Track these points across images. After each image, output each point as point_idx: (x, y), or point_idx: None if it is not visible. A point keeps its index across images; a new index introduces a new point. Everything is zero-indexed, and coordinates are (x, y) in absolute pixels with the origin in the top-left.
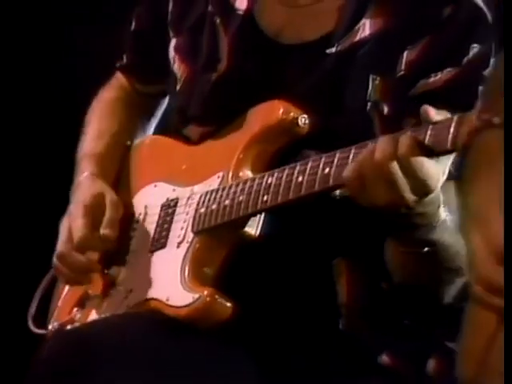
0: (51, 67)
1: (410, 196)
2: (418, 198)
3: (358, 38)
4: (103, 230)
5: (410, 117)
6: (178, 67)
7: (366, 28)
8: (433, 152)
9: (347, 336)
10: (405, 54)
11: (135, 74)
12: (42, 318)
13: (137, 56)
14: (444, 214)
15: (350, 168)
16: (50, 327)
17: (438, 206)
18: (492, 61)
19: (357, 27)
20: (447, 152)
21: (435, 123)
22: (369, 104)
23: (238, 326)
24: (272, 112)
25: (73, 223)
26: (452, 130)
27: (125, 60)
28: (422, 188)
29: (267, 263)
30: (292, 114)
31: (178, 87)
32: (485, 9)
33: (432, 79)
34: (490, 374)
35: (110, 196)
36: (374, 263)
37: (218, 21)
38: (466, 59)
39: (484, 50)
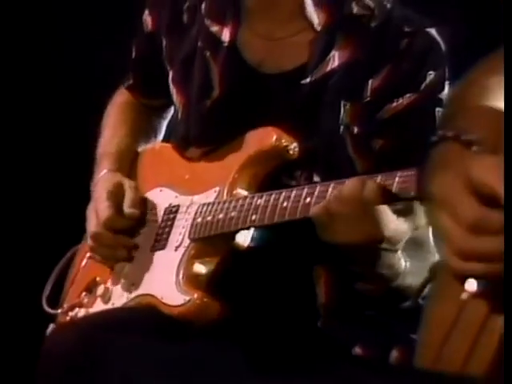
0: (64, 73)
1: (363, 238)
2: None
3: (329, 68)
4: (127, 209)
5: (378, 138)
6: (176, 98)
7: (335, 59)
8: (398, 198)
9: (325, 332)
10: (370, 81)
11: (139, 92)
12: (55, 300)
13: (139, 78)
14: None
15: (319, 205)
16: (61, 309)
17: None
18: (446, 84)
19: (327, 58)
20: (411, 199)
21: (404, 171)
22: (341, 127)
23: (229, 325)
24: (266, 138)
25: (99, 206)
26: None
27: (130, 81)
28: (374, 233)
29: (255, 270)
30: (284, 141)
31: (179, 116)
32: (438, 39)
33: (395, 104)
34: (446, 365)
35: (128, 182)
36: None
37: (207, 54)
38: (423, 85)
39: (439, 76)
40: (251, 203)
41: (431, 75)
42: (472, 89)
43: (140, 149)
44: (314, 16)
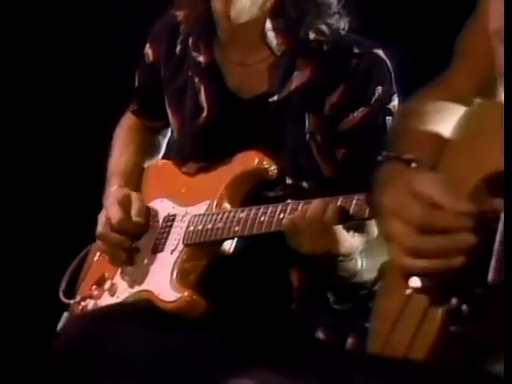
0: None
1: (322, 252)
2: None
3: (293, 87)
4: (134, 218)
5: (340, 148)
6: (171, 120)
7: (297, 79)
8: (354, 219)
9: (296, 318)
10: (327, 98)
11: (143, 116)
12: (70, 291)
13: (142, 104)
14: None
15: (288, 220)
16: (74, 300)
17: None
18: (394, 96)
19: (291, 79)
20: (365, 219)
21: (360, 195)
22: (307, 135)
23: (215, 317)
24: (250, 160)
25: (109, 211)
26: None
27: (135, 106)
28: (331, 249)
29: (238, 273)
30: (265, 163)
31: (175, 136)
32: (384, 57)
33: (351, 117)
34: (393, 351)
35: (135, 195)
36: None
37: (196, 80)
38: (373, 99)
39: (386, 90)
40: (235, 216)
41: (379, 90)
42: (411, 115)
43: (145, 165)
44: (274, 43)
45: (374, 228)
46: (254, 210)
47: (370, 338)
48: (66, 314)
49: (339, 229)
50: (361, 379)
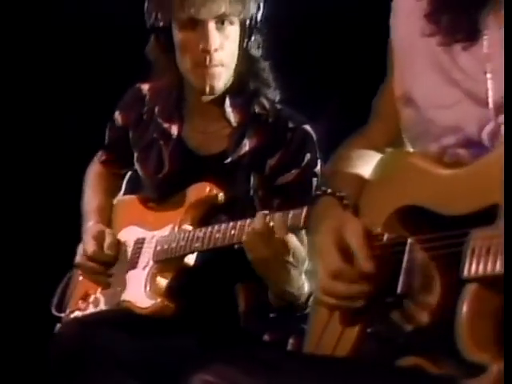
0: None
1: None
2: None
3: (242, 152)
4: (106, 251)
5: (276, 199)
6: (140, 172)
7: (246, 145)
8: (291, 228)
9: (245, 325)
10: (268, 161)
11: (111, 166)
12: (61, 306)
13: (111, 157)
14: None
15: (246, 234)
16: (64, 313)
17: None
18: (318, 162)
19: (241, 145)
20: (301, 228)
21: (296, 210)
22: (252, 190)
23: (183, 319)
24: (203, 190)
25: (86, 244)
26: (303, 215)
27: (103, 157)
28: (281, 252)
29: (199, 282)
30: (215, 191)
31: (142, 182)
32: (311, 132)
33: (286, 176)
34: (323, 351)
35: (108, 230)
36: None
37: (161, 143)
38: (303, 163)
39: (313, 157)
40: (194, 235)
41: (308, 156)
42: (340, 160)
43: (114, 201)
44: (231, 116)
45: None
46: (209, 229)
47: (306, 339)
48: (59, 326)
49: (293, 271)
50: (299, 372)
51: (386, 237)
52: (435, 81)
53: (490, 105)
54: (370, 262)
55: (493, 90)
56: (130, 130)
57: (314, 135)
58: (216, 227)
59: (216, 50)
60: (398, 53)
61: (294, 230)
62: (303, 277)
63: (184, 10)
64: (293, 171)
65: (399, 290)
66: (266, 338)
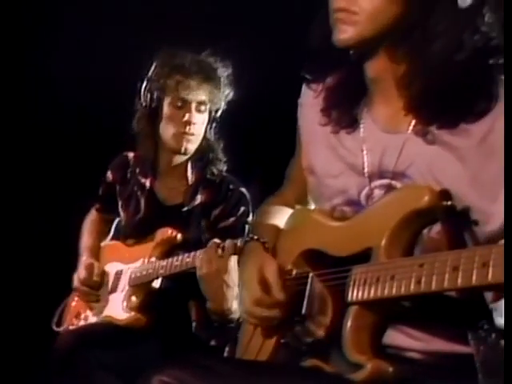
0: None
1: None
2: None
3: (196, 203)
4: (95, 278)
5: (218, 238)
6: (122, 215)
7: (198, 199)
8: (230, 252)
9: (196, 331)
10: (213, 211)
11: (102, 213)
12: (59, 323)
13: (103, 206)
14: None
15: (199, 260)
16: (62, 328)
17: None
18: (251, 213)
19: (195, 198)
20: (235, 254)
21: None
22: (201, 233)
23: (152, 329)
24: (166, 232)
25: (80, 273)
26: (239, 244)
27: (97, 206)
28: (221, 270)
29: (163, 299)
30: (174, 233)
31: (123, 224)
32: (246, 193)
33: (226, 222)
34: (249, 356)
35: (96, 263)
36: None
37: (139, 193)
38: (238, 214)
39: (246, 210)
40: (159, 264)
41: (242, 209)
42: (263, 214)
43: (102, 244)
44: (190, 178)
45: None
46: (170, 259)
47: (238, 347)
48: (59, 337)
49: (227, 291)
50: (230, 373)
51: (294, 272)
52: (328, 157)
53: (366, 174)
54: (282, 293)
55: (367, 163)
56: (117, 185)
57: (247, 195)
58: (175, 258)
59: (194, 123)
60: (303, 136)
61: (232, 254)
62: (235, 298)
63: (178, 92)
64: (231, 219)
65: (303, 311)
66: (212, 343)
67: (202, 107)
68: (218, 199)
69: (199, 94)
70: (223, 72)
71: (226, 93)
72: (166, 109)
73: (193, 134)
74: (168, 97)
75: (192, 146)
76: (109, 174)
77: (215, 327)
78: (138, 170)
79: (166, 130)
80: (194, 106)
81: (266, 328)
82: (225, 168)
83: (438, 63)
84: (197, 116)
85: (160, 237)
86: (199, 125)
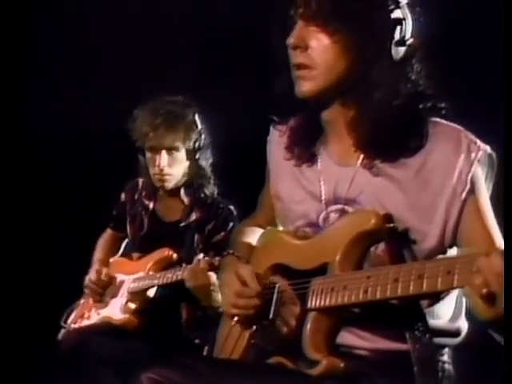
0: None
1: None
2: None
3: (191, 220)
4: (103, 278)
5: (211, 251)
6: (128, 232)
7: (193, 216)
8: (213, 268)
9: (184, 331)
10: (206, 227)
11: (116, 230)
12: (66, 321)
13: (117, 224)
14: None
15: (186, 274)
16: (71, 326)
17: None
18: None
19: (190, 215)
20: (217, 268)
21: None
22: (195, 246)
23: (144, 331)
24: (163, 252)
25: (91, 275)
26: (216, 263)
27: (112, 224)
28: (207, 283)
29: (158, 306)
30: (171, 253)
31: (130, 238)
32: (233, 210)
33: (217, 237)
34: (225, 355)
35: (105, 269)
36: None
37: (143, 213)
38: (228, 229)
39: (235, 225)
40: (154, 276)
41: (231, 224)
42: (239, 233)
43: (111, 260)
44: (185, 200)
45: None
46: (164, 272)
47: (215, 346)
48: (62, 331)
49: (214, 294)
50: (207, 371)
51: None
52: (292, 186)
53: (323, 201)
54: (258, 285)
55: (324, 191)
56: (128, 205)
57: (235, 212)
58: (169, 270)
59: (164, 167)
60: (271, 168)
61: (215, 269)
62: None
63: (149, 140)
64: (222, 233)
65: (271, 316)
66: (197, 341)
67: (173, 151)
68: (210, 216)
69: (167, 140)
70: (196, 112)
71: (201, 128)
72: (146, 153)
73: (167, 175)
74: (146, 143)
75: (169, 183)
76: (122, 195)
77: (201, 328)
78: (143, 194)
79: (150, 170)
80: (163, 151)
81: (244, 320)
82: (215, 191)
83: (380, 109)
84: (169, 159)
85: (158, 255)
86: (175, 165)
